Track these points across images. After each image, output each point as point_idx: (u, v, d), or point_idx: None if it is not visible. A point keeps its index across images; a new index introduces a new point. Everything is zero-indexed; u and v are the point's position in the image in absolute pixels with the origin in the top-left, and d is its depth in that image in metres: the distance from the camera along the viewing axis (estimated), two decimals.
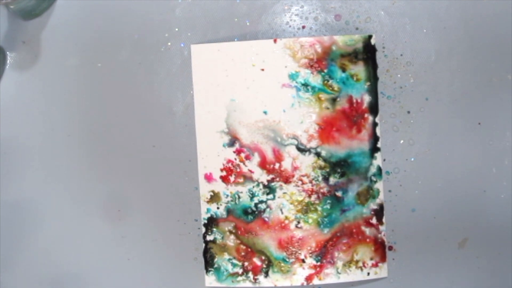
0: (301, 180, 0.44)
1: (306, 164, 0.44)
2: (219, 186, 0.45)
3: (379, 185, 0.44)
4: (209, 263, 0.45)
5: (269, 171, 0.44)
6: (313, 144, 0.44)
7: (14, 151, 0.47)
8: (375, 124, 0.44)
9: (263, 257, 0.45)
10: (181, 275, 0.46)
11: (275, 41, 0.44)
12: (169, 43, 0.46)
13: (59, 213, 0.46)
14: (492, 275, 0.45)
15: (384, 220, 0.44)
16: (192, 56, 0.45)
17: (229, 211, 0.45)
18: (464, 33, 0.44)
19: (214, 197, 0.45)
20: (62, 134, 0.47)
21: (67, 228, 0.46)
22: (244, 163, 0.45)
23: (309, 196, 0.44)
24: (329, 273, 0.44)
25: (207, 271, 0.45)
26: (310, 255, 0.44)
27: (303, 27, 0.45)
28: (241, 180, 0.45)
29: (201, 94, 0.45)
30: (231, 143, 0.45)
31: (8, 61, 0.47)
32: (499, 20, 0.44)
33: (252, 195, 0.45)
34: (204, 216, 0.45)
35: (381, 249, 0.44)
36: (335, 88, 0.44)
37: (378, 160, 0.44)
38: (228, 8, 0.45)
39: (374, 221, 0.44)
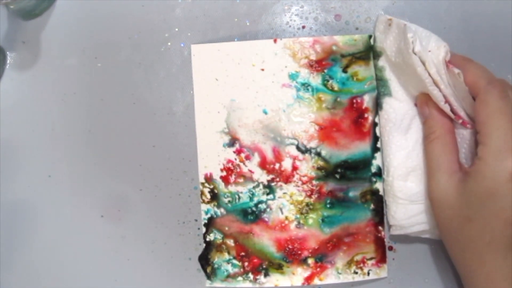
0: (301, 180, 0.44)
1: (306, 164, 0.44)
2: (219, 186, 0.45)
3: (379, 185, 0.44)
4: (209, 263, 0.45)
5: (269, 171, 0.44)
6: (313, 144, 0.44)
7: (14, 151, 0.47)
8: (375, 124, 0.44)
9: (263, 257, 0.44)
10: (181, 275, 0.46)
11: (275, 41, 0.44)
12: (169, 43, 0.46)
13: (59, 213, 0.46)
14: None
15: (384, 220, 0.44)
16: (192, 56, 0.45)
17: (229, 211, 0.45)
18: (464, 33, 0.44)
19: (214, 197, 0.45)
20: (62, 134, 0.46)
21: (67, 228, 0.46)
22: (244, 163, 0.44)
23: (309, 196, 0.44)
24: (329, 273, 0.44)
25: (207, 271, 0.45)
26: (310, 255, 0.44)
27: (303, 27, 0.45)
28: (241, 180, 0.45)
29: (201, 94, 0.45)
30: (231, 143, 0.45)
31: (8, 61, 0.47)
32: (499, 20, 0.44)
33: (252, 195, 0.44)
34: (204, 216, 0.45)
35: (381, 249, 0.44)
36: (335, 88, 0.44)
37: (378, 160, 0.44)
38: (228, 8, 0.45)
39: (374, 221, 0.44)
